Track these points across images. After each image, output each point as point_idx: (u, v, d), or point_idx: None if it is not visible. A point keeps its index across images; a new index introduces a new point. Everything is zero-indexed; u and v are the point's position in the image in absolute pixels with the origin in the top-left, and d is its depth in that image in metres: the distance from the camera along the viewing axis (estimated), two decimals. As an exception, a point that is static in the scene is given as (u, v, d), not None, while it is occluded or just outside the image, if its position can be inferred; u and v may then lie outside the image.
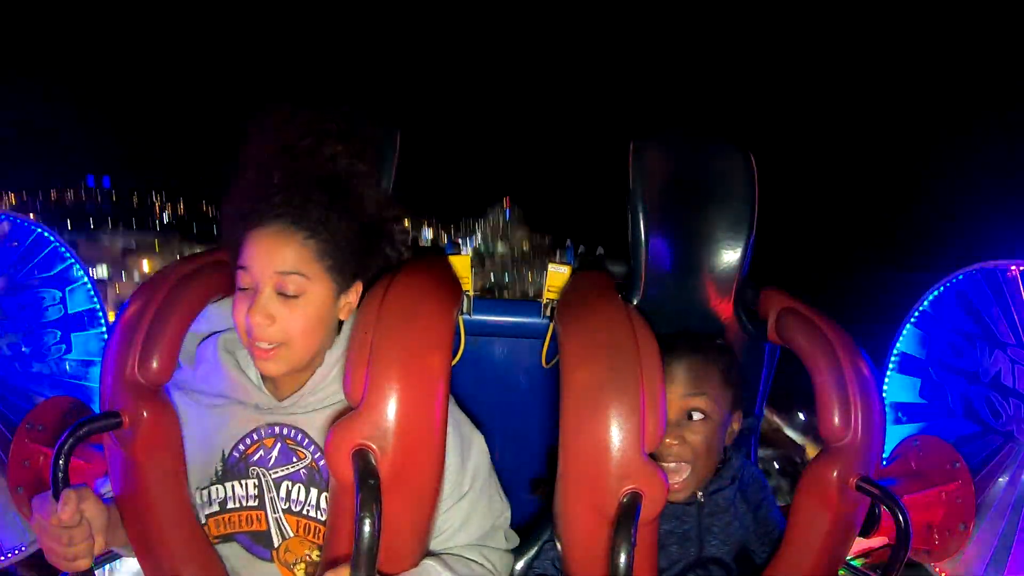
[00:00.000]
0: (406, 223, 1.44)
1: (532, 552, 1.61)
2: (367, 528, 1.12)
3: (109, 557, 1.63)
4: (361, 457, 1.19)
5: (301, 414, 1.36)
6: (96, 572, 1.29)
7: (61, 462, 1.23)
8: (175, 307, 1.35)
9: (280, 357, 1.29)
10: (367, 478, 1.16)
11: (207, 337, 1.42)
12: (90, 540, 1.23)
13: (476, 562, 1.39)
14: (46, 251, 1.86)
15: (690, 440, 1.45)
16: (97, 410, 1.38)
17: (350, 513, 1.17)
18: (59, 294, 1.88)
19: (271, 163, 1.33)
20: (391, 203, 1.42)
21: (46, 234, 1.86)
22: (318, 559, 1.35)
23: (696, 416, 1.46)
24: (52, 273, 1.87)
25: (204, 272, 1.42)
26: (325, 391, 1.36)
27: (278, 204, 1.27)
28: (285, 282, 1.26)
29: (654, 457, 1.26)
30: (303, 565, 1.37)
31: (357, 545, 1.12)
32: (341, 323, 1.39)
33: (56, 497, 1.21)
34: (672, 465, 1.45)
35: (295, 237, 1.27)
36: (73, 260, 1.90)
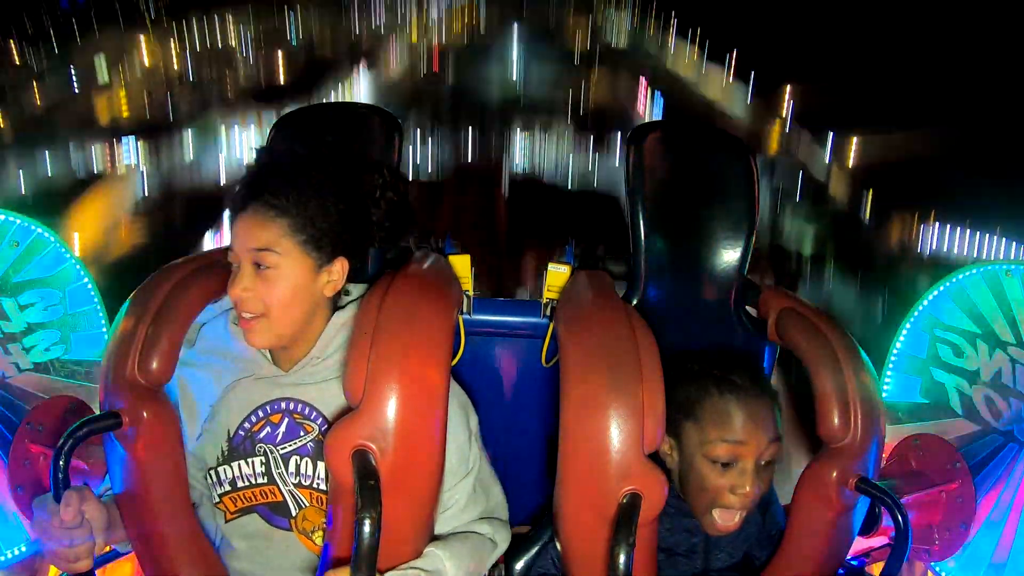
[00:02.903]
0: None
1: (532, 552, 1.60)
2: (367, 528, 1.12)
3: (109, 556, 1.63)
4: (361, 458, 1.19)
5: (309, 384, 1.38)
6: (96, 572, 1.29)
7: (61, 463, 1.23)
8: (175, 307, 1.36)
9: (261, 328, 1.34)
10: (367, 478, 1.16)
11: (207, 322, 1.46)
12: (91, 540, 1.24)
13: (479, 533, 1.41)
14: (46, 251, 1.87)
15: (763, 486, 1.39)
16: (97, 410, 1.38)
17: (350, 513, 1.17)
18: (59, 294, 1.88)
19: (261, 156, 1.43)
20: (383, 183, 1.45)
21: (46, 234, 1.86)
22: None
23: (770, 462, 1.40)
24: (52, 273, 1.87)
25: (203, 273, 1.42)
26: (333, 359, 1.38)
27: (255, 188, 1.35)
28: (259, 257, 1.32)
29: (654, 458, 1.26)
30: (320, 533, 1.39)
31: (357, 545, 1.12)
32: (336, 301, 1.43)
33: (57, 498, 1.21)
34: (741, 511, 1.39)
35: (267, 215, 1.32)
36: (73, 259, 1.90)
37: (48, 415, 1.73)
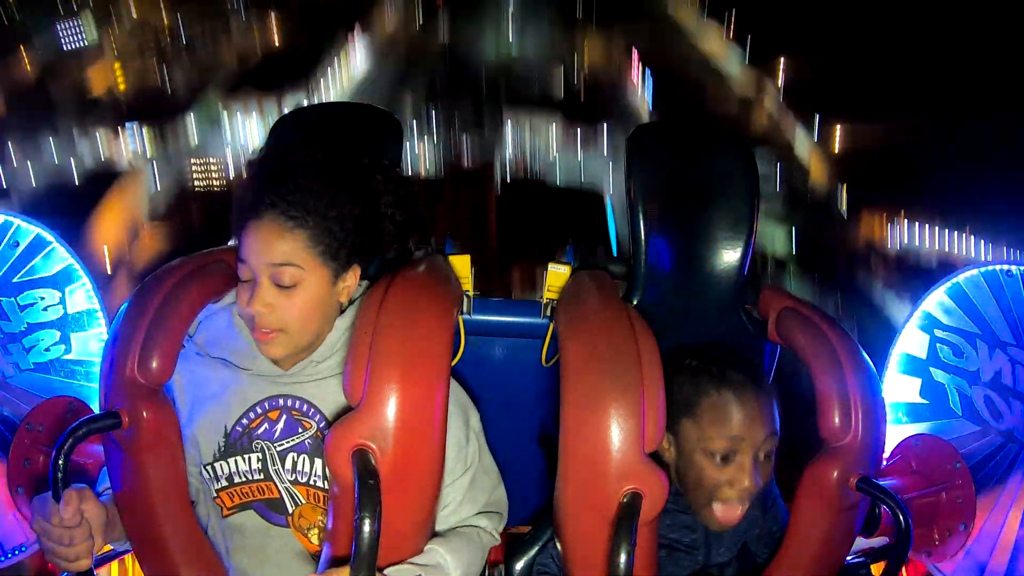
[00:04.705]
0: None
1: (533, 551, 1.61)
2: (367, 528, 1.12)
3: (108, 556, 1.63)
4: (361, 457, 1.19)
5: (308, 382, 1.38)
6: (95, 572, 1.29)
7: (61, 462, 1.23)
8: (175, 307, 1.36)
9: (279, 342, 1.33)
10: (367, 478, 1.16)
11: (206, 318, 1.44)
12: (90, 540, 1.24)
13: (477, 527, 1.42)
14: (46, 251, 1.87)
15: (761, 479, 1.39)
16: (97, 410, 1.38)
17: (350, 512, 1.17)
18: (59, 294, 1.88)
19: (271, 155, 1.38)
20: (395, 185, 1.42)
21: (46, 234, 1.87)
22: None
23: (769, 455, 1.41)
24: (52, 273, 1.87)
25: (203, 272, 1.42)
26: (333, 359, 1.38)
27: (269, 195, 1.30)
28: (280, 273, 1.29)
29: (654, 457, 1.26)
30: (316, 531, 1.40)
31: (357, 545, 1.12)
32: (342, 303, 1.41)
33: (56, 498, 1.21)
34: (742, 505, 1.39)
35: (286, 227, 1.29)
36: (73, 260, 1.90)
37: (48, 415, 1.74)
